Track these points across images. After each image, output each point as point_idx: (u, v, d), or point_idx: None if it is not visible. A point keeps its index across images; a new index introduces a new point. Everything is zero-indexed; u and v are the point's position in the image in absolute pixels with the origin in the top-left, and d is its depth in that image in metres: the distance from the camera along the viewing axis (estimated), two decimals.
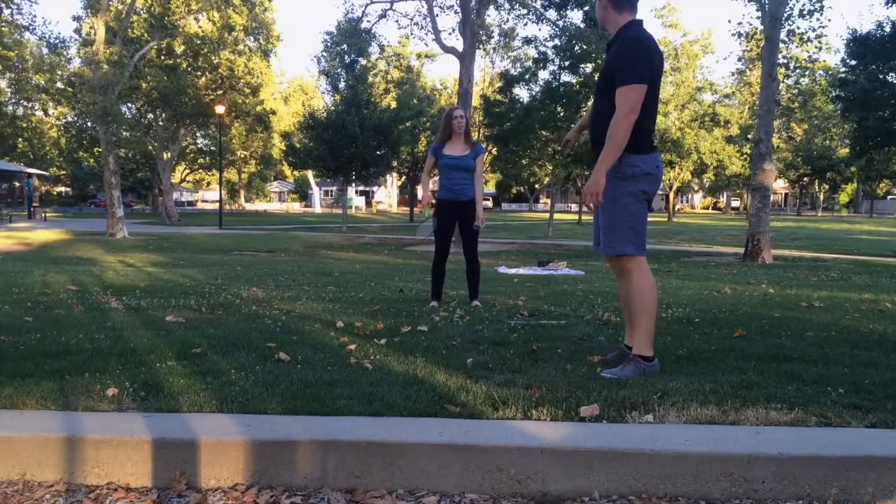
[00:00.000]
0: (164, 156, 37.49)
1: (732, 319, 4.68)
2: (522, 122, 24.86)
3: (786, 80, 34.29)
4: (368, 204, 69.91)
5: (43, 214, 36.84)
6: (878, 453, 2.14)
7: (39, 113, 43.65)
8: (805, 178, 57.64)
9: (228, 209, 58.44)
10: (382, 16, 22.45)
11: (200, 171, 53.80)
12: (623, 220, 3.12)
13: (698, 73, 43.64)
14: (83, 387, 2.80)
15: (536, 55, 25.51)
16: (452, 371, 3.08)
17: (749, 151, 27.94)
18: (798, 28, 15.80)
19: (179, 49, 32.39)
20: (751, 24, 16.96)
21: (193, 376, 2.99)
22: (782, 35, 14.43)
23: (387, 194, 74.53)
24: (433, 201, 5.52)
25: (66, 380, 2.91)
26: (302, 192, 76.35)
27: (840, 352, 3.55)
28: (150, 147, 38.11)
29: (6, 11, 26.38)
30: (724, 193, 69.53)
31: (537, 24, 21.86)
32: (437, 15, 26.95)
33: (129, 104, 34.30)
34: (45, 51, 34.71)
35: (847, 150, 43.15)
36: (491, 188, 74.30)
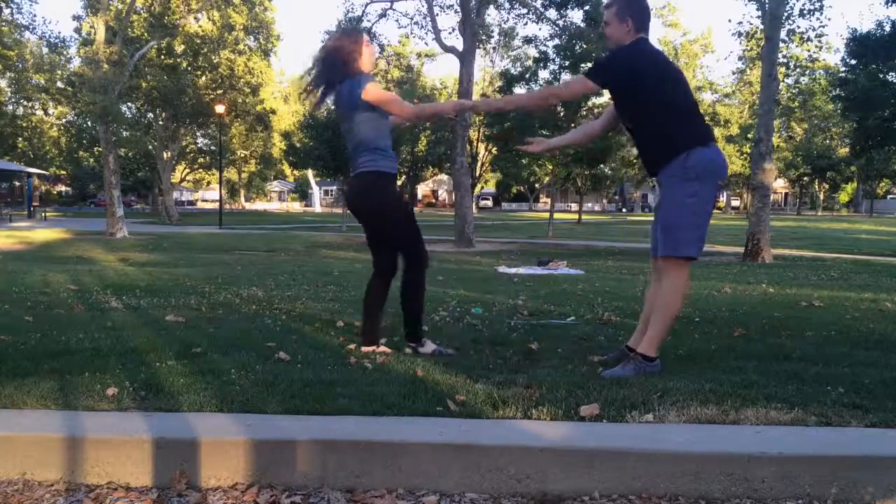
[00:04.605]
0: (165, 155, 37.46)
1: (732, 319, 4.68)
2: (523, 121, 24.85)
3: (786, 80, 34.28)
4: None
5: (43, 214, 36.81)
6: (878, 453, 2.14)
7: (39, 112, 43.63)
8: (805, 178, 57.65)
9: (228, 209, 58.43)
10: (382, 15, 22.40)
11: (200, 170, 53.77)
12: (683, 221, 3.08)
13: (698, 73, 43.66)
14: (83, 386, 2.80)
15: (537, 54, 25.50)
16: (452, 371, 3.08)
17: (749, 151, 27.97)
18: (798, 27, 15.79)
19: (179, 48, 32.35)
20: (751, 24, 16.96)
21: (193, 376, 2.99)
22: (782, 34, 14.42)
23: None
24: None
25: (66, 379, 2.92)
26: (302, 192, 76.34)
27: (840, 351, 3.55)
28: (150, 147, 38.07)
29: (6, 11, 26.38)
30: (724, 193, 69.52)
31: (537, 23, 21.83)
32: (437, 14, 26.92)
33: (129, 104, 34.26)
34: (45, 50, 34.72)
35: (847, 149, 43.16)
36: (491, 188, 74.28)
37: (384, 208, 3.54)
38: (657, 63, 3.16)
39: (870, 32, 18.80)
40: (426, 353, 3.51)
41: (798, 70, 34.92)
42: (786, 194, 73.34)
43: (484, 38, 23.10)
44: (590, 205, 63.81)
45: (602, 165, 31.11)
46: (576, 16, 22.43)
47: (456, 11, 20.37)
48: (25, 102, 40.74)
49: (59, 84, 33.26)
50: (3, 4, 25.52)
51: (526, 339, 3.90)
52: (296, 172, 60.16)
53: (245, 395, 2.69)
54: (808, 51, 20.66)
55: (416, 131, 39.06)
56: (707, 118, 39.64)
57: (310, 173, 53.12)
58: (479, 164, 38.46)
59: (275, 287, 6.88)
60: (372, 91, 3.42)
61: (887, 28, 18.23)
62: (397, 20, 72.26)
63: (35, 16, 59.83)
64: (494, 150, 40.05)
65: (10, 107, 39.64)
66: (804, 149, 52.55)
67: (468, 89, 18.74)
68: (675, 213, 3.09)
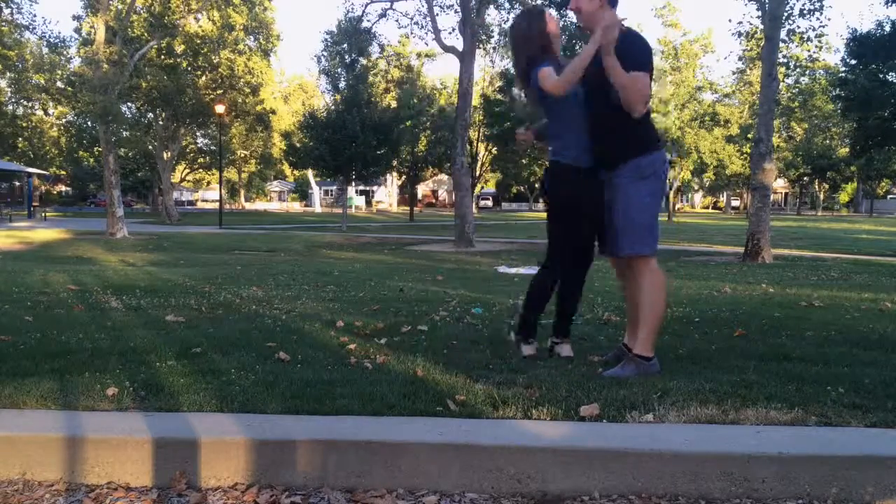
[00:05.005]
0: (164, 155, 37.47)
1: (732, 319, 4.68)
2: (522, 122, 24.89)
3: (786, 80, 34.28)
4: (368, 203, 69.90)
5: (43, 214, 36.82)
6: (878, 453, 2.14)
7: (39, 112, 43.62)
8: (805, 178, 57.64)
9: (228, 208, 58.39)
10: (382, 15, 22.40)
11: (200, 170, 53.81)
12: (643, 220, 3.12)
13: (698, 73, 43.59)
14: (83, 386, 2.80)
15: None
16: (452, 371, 3.08)
17: (749, 151, 27.95)
18: (798, 27, 15.80)
19: (179, 48, 32.36)
20: (751, 24, 16.97)
21: (193, 376, 3.00)
22: (782, 34, 14.42)
23: (387, 194, 74.54)
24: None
25: (66, 379, 2.92)
26: (302, 192, 76.33)
27: (840, 351, 3.54)
28: (150, 146, 38.09)
29: (6, 11, 26.39)
30: (724, 193, 69.48)
31: None
32: (437, 14, 26.99)
33: (129, 104, 34.26)
34: (45, 50, 34.68)
35: (847, 149, 43.14)
36: (491, 188, 74.32)
37: (561, 202, 3.31)
38: (651, 61, 3.16)
39: (870, 32, 18.82)
40: (524, 355, 3.41)
41: (798, 70, 34.95)
42: (786, 194, 73.33)
43: (484, 38, 23.09)
44: None
45: None
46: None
47: (456, 11, 20.37)
48: (25, 102, 40.72)
49: (59, 84, 33.25)
50: (2, 4, 25.53)
51: None
52: (296, 172, 60.10)
53: (245, 395, 2.69)
54: (808, 51, 20.69)
55: (416, 131, 39.02)
56: (707, 118, 39.53)
57: (310, 173, 53.12)
58: (479, 164, 38.45)
59: (275, 287, 6.88)
60: (540, 78, 3.13)
61: (887, 28, 18.25)
62: (397, 20, 72.26)
63: (35, 16, 60.01)
64: (494, 150, 40.02)
65: (10, 107, 39.63)
66: (804, 149, 52.50)
67: (468, 89, 18.74)
68: (639, 212, 3.12)
